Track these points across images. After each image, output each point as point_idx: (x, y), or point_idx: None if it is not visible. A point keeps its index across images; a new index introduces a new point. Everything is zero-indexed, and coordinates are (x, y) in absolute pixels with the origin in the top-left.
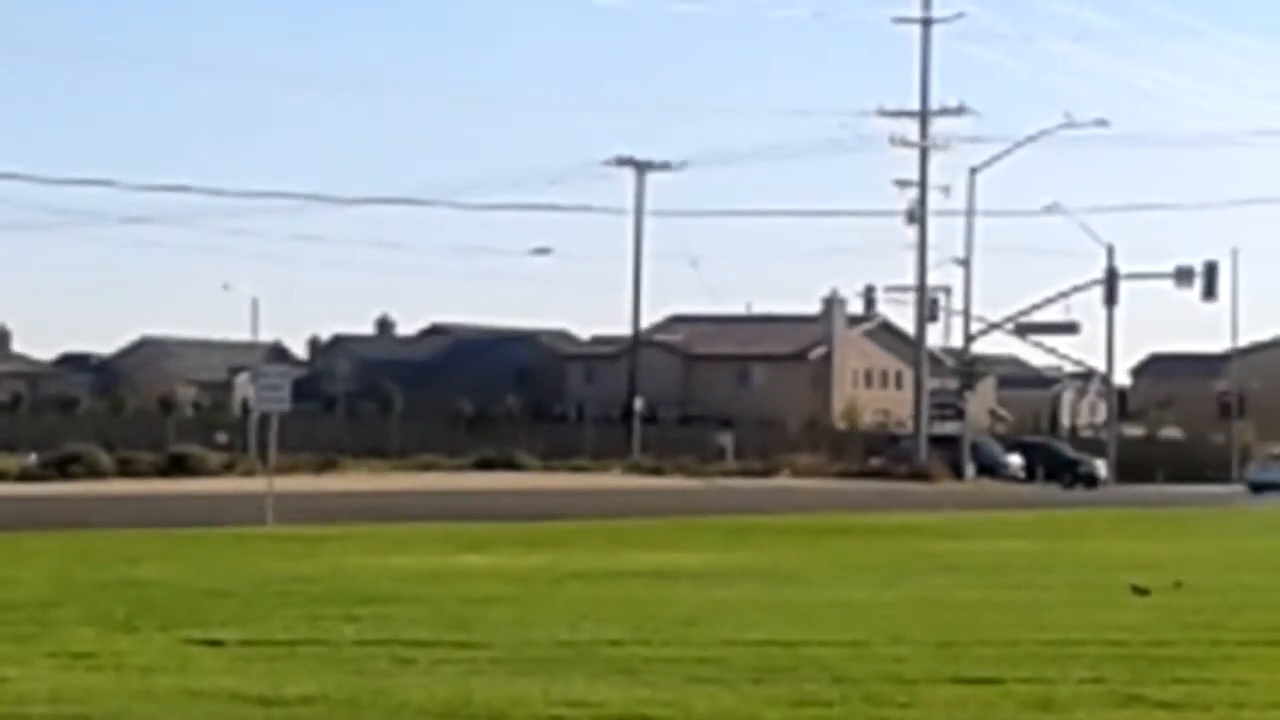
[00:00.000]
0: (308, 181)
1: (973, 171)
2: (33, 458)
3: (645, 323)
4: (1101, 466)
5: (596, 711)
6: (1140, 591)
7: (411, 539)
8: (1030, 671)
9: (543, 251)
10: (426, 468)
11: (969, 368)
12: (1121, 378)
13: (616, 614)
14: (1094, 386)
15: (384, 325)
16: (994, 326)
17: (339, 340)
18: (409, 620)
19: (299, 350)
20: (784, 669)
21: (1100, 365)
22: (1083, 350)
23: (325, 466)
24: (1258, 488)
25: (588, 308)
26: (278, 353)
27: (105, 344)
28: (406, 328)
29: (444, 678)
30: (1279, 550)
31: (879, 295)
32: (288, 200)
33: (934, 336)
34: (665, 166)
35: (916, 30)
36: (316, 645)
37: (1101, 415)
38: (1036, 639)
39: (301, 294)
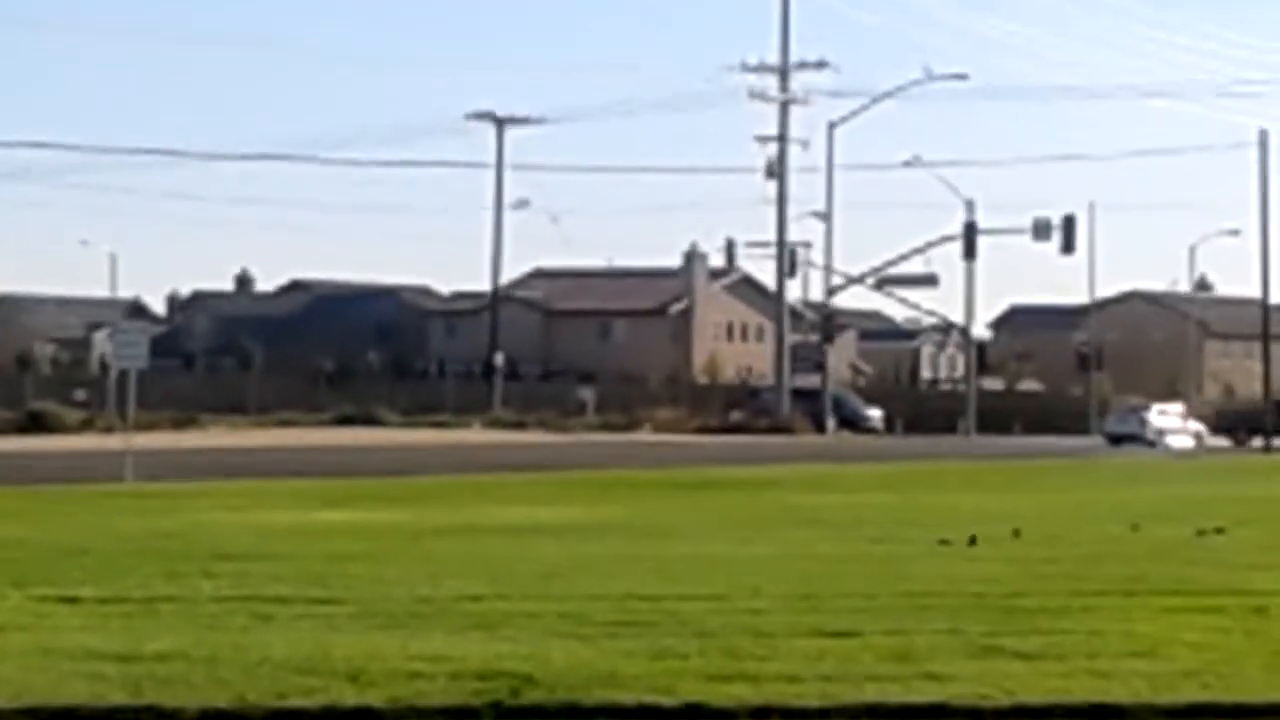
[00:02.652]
0: (166, 137)
1: (831, 126)
2: None
3: (506, 278)
4: (878, 417)
5: (455, 666)
6: (944, 543)
7: (271, 495)
8: (888, 624)
9: (522, 204)
10: (286, 424)
11: (829, 321)
12: (981, 330)
13: (476, 569)
14: (954, 339)
15: (243, 281)
16: (854, 280)
17: (198, 297)
18: (268, 576)
19: (158, 307)
20: (643, 623)
21: (960, 318)
22: (943, 303)
23: (185, 423)
24: (1115, 439)
25: (448, 263)
26: (136, 309)
27: None
28: (266, 284)
29: (303, 633)
30: (1135, 501)
31: (740, 249)
32: (146, 156)
33: (795, 291)
34: (525, 121)
35: None
36: (175, 602)
37: (961, 368)
38: (895, 591)
39: (160, 250)
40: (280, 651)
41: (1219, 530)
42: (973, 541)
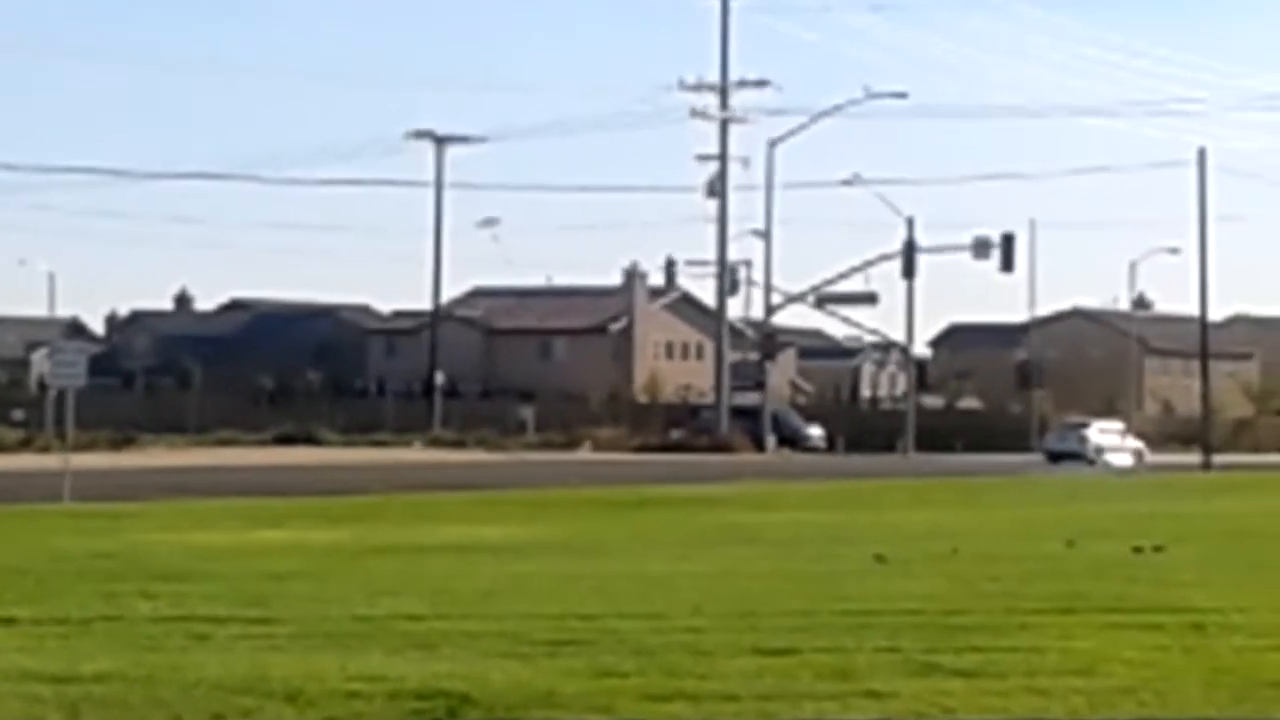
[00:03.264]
0: (105, 156)
1: (772, 144)
2: None
3: (446, 297)
4: (818, 435)
5: (393, 686)
6: (880, 559)
7: (210, 515)
8: (827, 641)
9: (490, 223)
10: (226, 443)
11: (769, 340)
12: (921, 348)
13: (415, 588)
14: (894, 357)
15: (183, 300)
16: (794, 298)
17: (137, 316)
18: (206, 596)
19: (97, 326)
20: (582, 641)
21: (900, 336)
22: (883, 321)
23: (123, 443)
24: (1055, 457)
25: (388, 282)
26: (75, 329)
27: None
28: (206, 303)
29: (240, 653)
30: (1074, 519)
31: (680, 268)
32: (85, 175)
33: (735, 309)
34: (465, 140)
35: (716, 3)
36: (112, 622)
37: (902, 386)
38: (833, 609)
39: (99, 269)
40: (217, 672)
41: (1157, 548)
42: (880, 559)
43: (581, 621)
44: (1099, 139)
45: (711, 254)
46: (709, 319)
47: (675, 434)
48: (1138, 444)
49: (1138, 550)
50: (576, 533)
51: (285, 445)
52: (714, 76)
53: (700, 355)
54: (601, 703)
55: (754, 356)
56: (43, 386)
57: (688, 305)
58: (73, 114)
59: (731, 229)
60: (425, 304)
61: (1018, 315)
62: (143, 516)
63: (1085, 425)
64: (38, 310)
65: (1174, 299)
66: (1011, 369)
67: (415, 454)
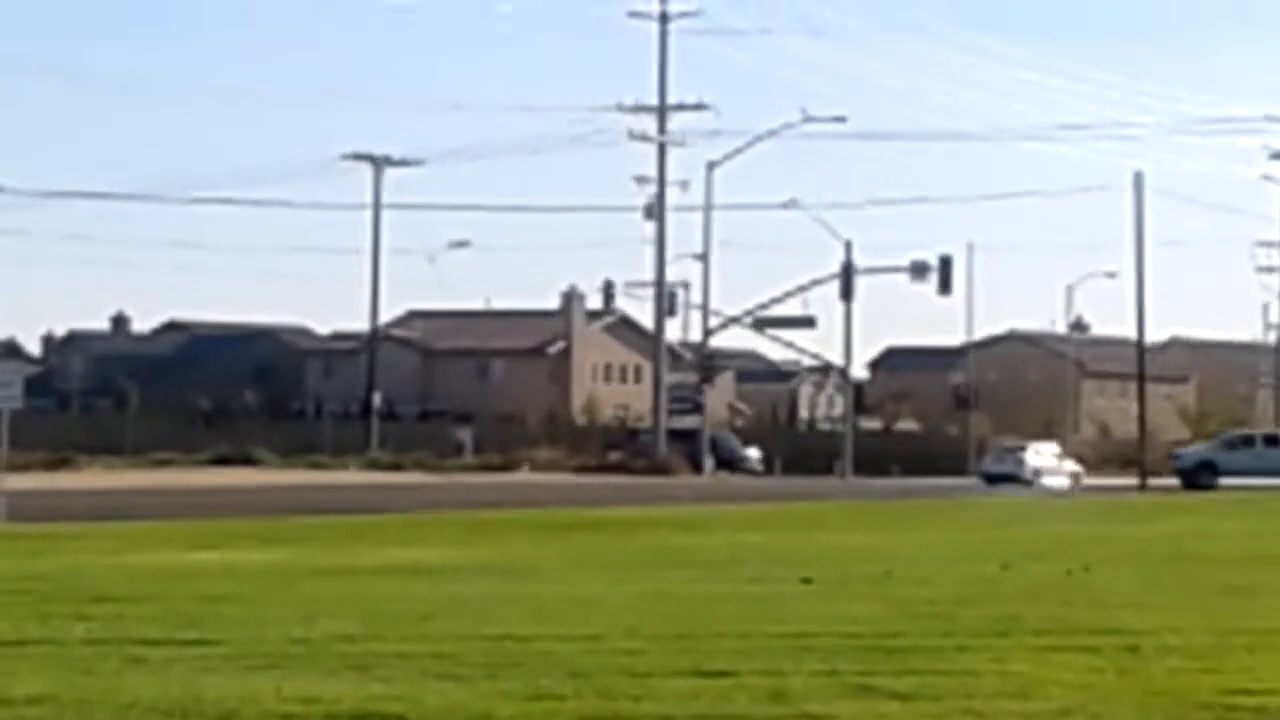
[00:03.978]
0: (41, 178)
1: (710, 166)
2: None
3: (384, 318)
4: (755, 457)
5: (329, 708)
6: (807, 581)
7: (145, 537)
8: (764, 664)
9: (461, 245)
10: (162, 465)
11: (707, 362)
12: (859, 371)
13: (351, 610)
14: (832, 380)
15: (119, 321)
16: (732, 321)
17: (74, 337)
18: (141, 618)
19: (33, 347)
20: (518, 663)
21: (838, 359)
22: (821, 344)
23: (59, 464)
24: (992, 479)
25: (326, 303)
26: (11, 350)
27: None
28: (142, 324)
29: (175, 676)
30: (1010, 541)
31: (618, 290)
32: (19, 196)
33: (673, 331)
34: (403, 162)
35: (655, 26)
36: (46, 645)
37: (839, 408)
38: (770, 632)
39: (36, 290)
40: (150, 694)
41: (1085, 569)
42: (807, 581)
43: (518, 643)
44: (1037, 163)
45: (650, 276)
46: (647, 341)
47: (613, 456)
48: (1074, 466)
49: (1069, 573)
50: (514, 554)
51: (222, 466)
52: (652, 99)
53: (639, 377)
54: None
55: (692, 379)
56: None
57: (626, 327)
58: (8, 135)
59: (670, 251)
60: (363, 325)
61: (955, 338)
62: (78, 538)
63: (1022, 448)
64: None
65: (1111, 322)
66: (949, 391)
67: (352, 476)
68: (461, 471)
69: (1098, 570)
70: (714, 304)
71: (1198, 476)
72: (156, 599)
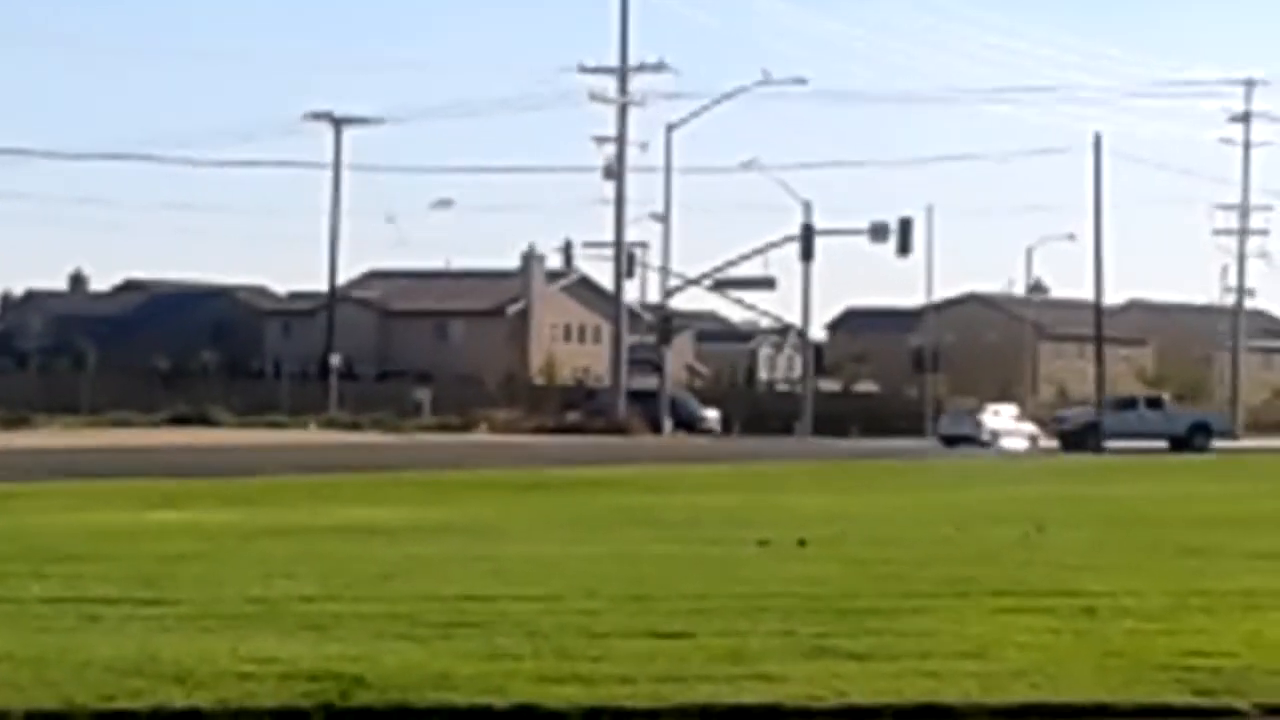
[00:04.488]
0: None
1: (670, 128)
2: None
3: (343, 278)
4: (714, 418)
5: (285, 668)
6: (763, 544)
7: (103, 496)
8: (721, 625)
9: (444, 204)
10: (120, 424)
11: (666, 323)
12: (818, 332)
13: (309, 570)
14: (791, 341)
15: (77, 280)
16: (692, 282)
17: (31, 296)
18: (98, 577)
19: None
20: (477, 624)
21: (797, 320)
22: (780, 305)
23: (16, 423)
24: (950, 441)
25: (285, 263)
26: None
27: None
28: (101, 283)
29: (131, 634)
30: (967, 503)
31: (577, 250)
32: None
33: (632, 292)
34: (363, 122)
35: None
36: (2, 603)
37: (799, 369)
38: (728, 593)
39: None
40: (107, 653)
41: (1041, 530)
42: (764, 544)
43: (476, 604)
44: (997, 125)
45: (609, 237)
46: (606, 302)
47: (572, 416)
48: (1032, 428)
49: (1026, 535)
50: (472, 515)
51: (180, 426)
52: (613, 59)
53: (598, 338)
54: (495, 685)
55: (651, 339)
56: None
57: (585, 288)
58: None
59: (630, 212)
60: (322, 285)
61: (915, 300)
62: (35, 497)
63: (980, 410)
64: None
65: (1070, 285)
66: (908, 353)
67: (311, 435)
68: (419, 431)
69: (1054, 532)
70: (674, 265)
71: (1083, 438)
72: (113, 558)
